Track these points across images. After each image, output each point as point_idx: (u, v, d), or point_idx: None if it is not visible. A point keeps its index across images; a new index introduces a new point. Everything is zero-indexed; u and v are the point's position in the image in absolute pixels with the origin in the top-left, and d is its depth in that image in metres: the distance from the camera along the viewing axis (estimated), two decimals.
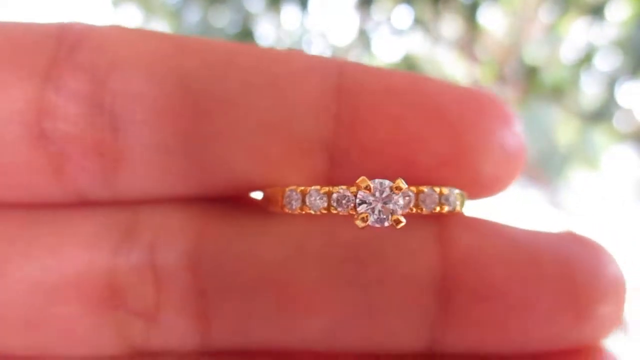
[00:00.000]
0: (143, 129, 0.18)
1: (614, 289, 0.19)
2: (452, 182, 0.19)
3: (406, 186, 0.17)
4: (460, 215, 0.20)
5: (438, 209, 0.18)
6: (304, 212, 0.18)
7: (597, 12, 0.97)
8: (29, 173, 0.18)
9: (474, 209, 0.20)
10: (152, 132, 0.18)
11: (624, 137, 1.16)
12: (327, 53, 1.15)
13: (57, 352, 0.20)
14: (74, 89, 0.18)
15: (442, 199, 0.18)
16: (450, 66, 1.14)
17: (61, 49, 0.18)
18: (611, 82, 1.04)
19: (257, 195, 0.21)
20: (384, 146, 0.19)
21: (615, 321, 0.19)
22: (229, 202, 0.20)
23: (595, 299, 0.19)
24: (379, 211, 0.17)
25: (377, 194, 0.17)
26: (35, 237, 0.19)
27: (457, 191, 0.18)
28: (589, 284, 0.19)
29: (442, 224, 0.20)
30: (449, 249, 0.19)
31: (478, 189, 0.20)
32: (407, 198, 0.17)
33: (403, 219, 0.17)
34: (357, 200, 0.17)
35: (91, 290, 0.19)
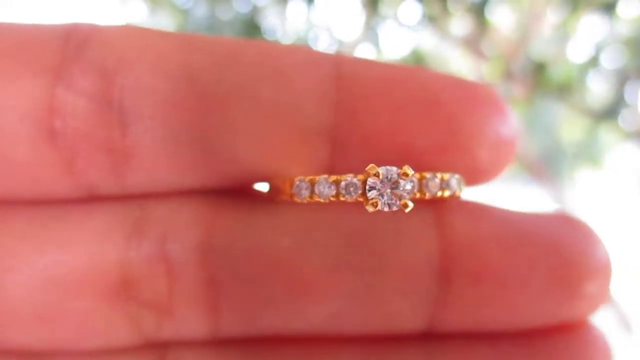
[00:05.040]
0: (151, 124, 0.18)
1: (601, 268, 0.20)
2: (449, 167, 0.20)
3: (412, 172, 0.18)
4: (456, 200, 0.20)
5: (440, 193, 0.19)
6: (313, 201, 0.18)
7: (606, 9, 0.97)
8: (40, 169, 0.19)
9: (475, 197, 0.21)
10: (160, 127, 0.19)
11: (629, 136, 1.16)
12: (333, 48, 1.15)
13: (72, 346, 0.20)
14: (83, 86, 0.18)
15: (444, 184, 0.19)
16: (457, 62, 1.14)
17: (70, 48, 0.18)
18: (619, 81, 1.04)
19: (263, 186, 0.21)
20: (383, 134, 0.19)
21: (602, 299, 0.20)
22: (237, 193, 0.21)
23: (584, 278, 0.20)
24: (388, 196, 0.18)
25: (386, 180, 0.18)
26: (47, 232, 0.19)
27: (456, 176, 0.19)
28: (578, 263, 0.20)
29: (439, 209, 0.20)
30: (447, 234, 0.20)
31: (474, 175, 0.20)
32: (411, 183, 0.18)
33: (410, 203, 0.18)
34: (367, 187, 0.18)
35: (104, 283, 0.19)
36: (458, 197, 0.20)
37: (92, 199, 0.20)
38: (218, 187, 0.20)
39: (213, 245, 0.20)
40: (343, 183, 0.18)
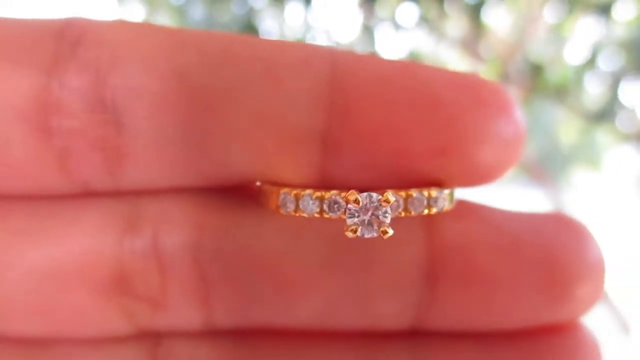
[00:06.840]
0: (144, 122, 0.19)
1: (593, 270, 0.19)
2: (447, 169, 0.19)
3: (394, 198, 0.18)
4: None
5: (426, 211, 0.18)
6: (297, 215, 0.18)
7: (602, 11, 0.97)
8: (34, 167, 0.19)
9: (466, 196, 0.21)
10: (153, 125, 0.19)
11: (626, 138, 1.16)
12: None
13: (68, 335, 0.20)
14: (76, 84, 0.18)
15: (431, 202, 0.18)
16: (454, 64, 1.14)
17: (63, 45, 0.18)
18: (615, 82, 1.04)
19: (254, 188, 0.21)
20: (377, 135, 0.19)
21: (595, 300, 0.20)
22: (228, 192, 0.21)
23: (575, 279, 0.19)
24: (368, 223, 0.18)
25: (366, 207, 0.18)
26: (42, 228, 0.20)
27: (446, 192, 0.19)
28: (569, 264, 0.19)
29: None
30: (435, 236, 0.20)
31: (473, 177, 0.20)
32: (395, 204, 0.18)
33: (390, 230, 0.18)
34: (347, 214, 0.18)
35: (98, 277, 0.20)
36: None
37: (86, 195, 0.20)
38: (209, 186, 0.20)
39: (202, 243, 0.20)
40: (326, 201, 0.18)
